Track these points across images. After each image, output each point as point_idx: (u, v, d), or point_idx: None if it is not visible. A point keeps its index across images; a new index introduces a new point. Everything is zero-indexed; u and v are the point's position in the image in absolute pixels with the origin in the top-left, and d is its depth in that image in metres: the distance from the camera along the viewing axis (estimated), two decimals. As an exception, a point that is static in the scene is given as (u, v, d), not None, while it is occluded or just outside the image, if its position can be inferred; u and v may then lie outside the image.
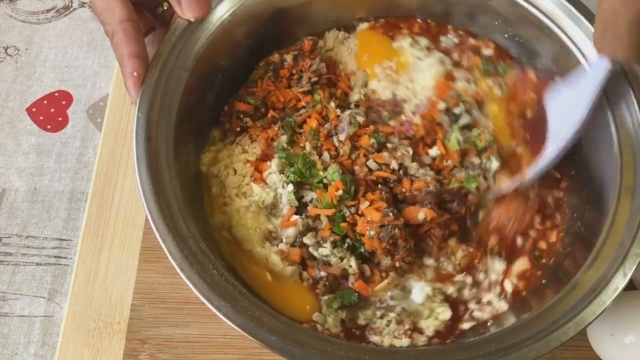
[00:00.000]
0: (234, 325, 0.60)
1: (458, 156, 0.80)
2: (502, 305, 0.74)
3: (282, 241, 0.74)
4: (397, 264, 0.73)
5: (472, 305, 0.75)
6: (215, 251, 0.69)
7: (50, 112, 1.76)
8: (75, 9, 1.94)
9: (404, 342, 0.70)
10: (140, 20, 0.72)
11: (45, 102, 1.78)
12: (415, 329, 0.72)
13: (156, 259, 0.83)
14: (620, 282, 0.63)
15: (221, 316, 0.60)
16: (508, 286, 0.75)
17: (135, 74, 0.69)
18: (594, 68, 0.75)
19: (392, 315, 0.73)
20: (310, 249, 0.73)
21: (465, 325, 0.72)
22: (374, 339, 0.71)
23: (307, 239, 0.73)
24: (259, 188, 0.75)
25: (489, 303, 0.74)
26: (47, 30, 1.90)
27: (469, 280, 0.76)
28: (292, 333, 0.60)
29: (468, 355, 0.61)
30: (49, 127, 1.74)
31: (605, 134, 0.74)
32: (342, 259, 0.73)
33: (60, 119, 1.75)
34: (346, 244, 0.74)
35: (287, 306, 0.70)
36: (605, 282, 0.63)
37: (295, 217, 0.74)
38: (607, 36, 0.68)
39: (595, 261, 0.66)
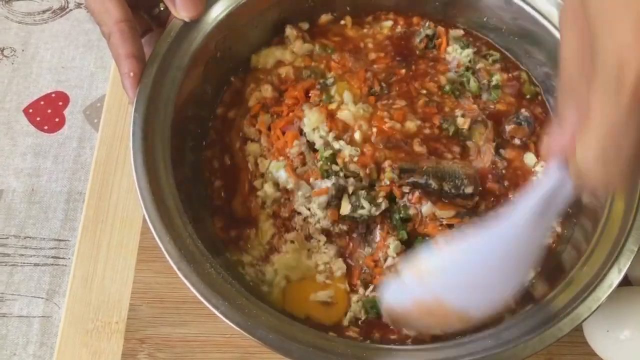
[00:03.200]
0: (231, 324, 0.60)
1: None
2: None
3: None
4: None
5: None
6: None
7: (47, 113, 1.76)
8: (71, 9, 1.94)
9: None
10: (136, 21, 0.72)
11: (42, 103, 1.77)
12: None
13: (154, 259, 0.83)
14: (615, 278, 0.64)
15: (219, 314, 0.60)
16: None
17: (132, 74, 0.69)
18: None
19: None
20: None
21: None
22: None
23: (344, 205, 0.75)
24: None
25: None
26: (43, 31, 1.89)
27: None
28: (290, 330, 0.61)
29: (465, 352, 0.61)
30: (45, 128, 1.73)
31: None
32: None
33: (57, 119, 1.75)
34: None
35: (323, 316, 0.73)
36: (600, 278, 0.64)
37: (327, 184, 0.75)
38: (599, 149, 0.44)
39: (590, 257, 0.66)
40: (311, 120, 0.79)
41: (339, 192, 0.75)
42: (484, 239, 0.62)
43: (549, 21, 0.81)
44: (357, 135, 0.79)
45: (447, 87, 0.86)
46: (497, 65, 0.89)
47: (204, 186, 0.80)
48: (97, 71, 1.83)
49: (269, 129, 0.82)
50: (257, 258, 0.76)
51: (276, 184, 0.78)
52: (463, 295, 0.63)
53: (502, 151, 0.82)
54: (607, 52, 0.42)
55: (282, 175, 0.78)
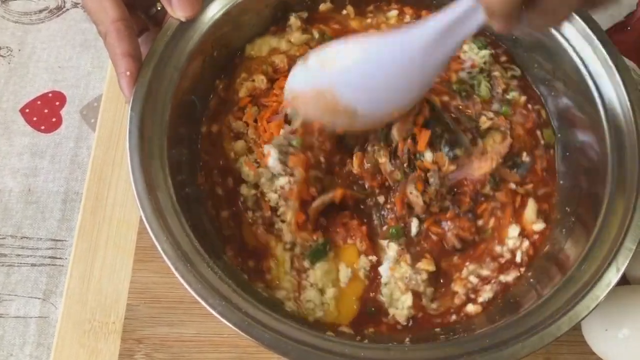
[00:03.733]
0: (228, 324, 0.60)
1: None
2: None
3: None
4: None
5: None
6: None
7: (44, 112, 1.76)
8: (68, 9, 1.93)
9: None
10: (133, 21, 0.72)
11: (39, 102, 1.77)
12: None
13: (151, 259, 0.83)
14: (613, 276, 0.63)
15: (216, 314, 0.60)
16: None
17: (128, 73, 0.69)
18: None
19: None
20: None
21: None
22: None
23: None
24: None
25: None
26: (39, 31, 1.89)
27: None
28: (287, 330, 0.61)
29: (463, 350, 0.61)
30: (42, 127, 1.73)
31: (598, 130, 0.74)
32: None
33: (54, 119, 1.75)
34: None
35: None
36: (599, 277, 0.64)
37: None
38: None
39: (589, 256, 0.66)
40: None
41: (284, 148, 0.75)
42: (388, 44, 0.67)
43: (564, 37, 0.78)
44: None
45: (455, 87, 0.83)
46: (516, 82, 0.85)
47: (210, 219, 0.77)
48: (94, 71, 1.83)
49: (256, 121, 0.80)
50: (291, 290, 0.73)
51: (253, 184, 0.78)
52: (355, 93, 0.69)
53: (496, 186, 0.78)
54: None
55: (245, 170, 0.78)
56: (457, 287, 0.74)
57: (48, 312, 1.48)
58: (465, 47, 0.86)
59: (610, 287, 0.63)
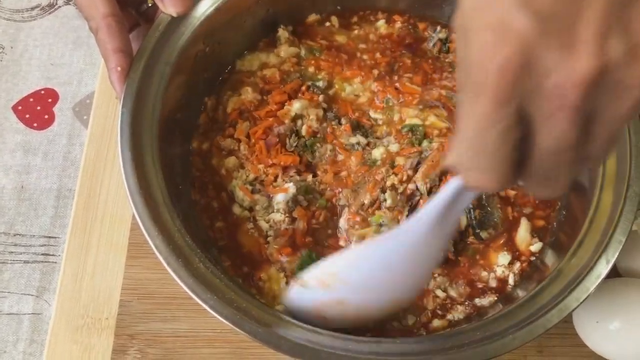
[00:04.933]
0: (220, 318, 0.60)
1: None
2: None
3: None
4: None
5: None
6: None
7: (37, 110, 1.75)
8: (60, 6, 1.92)
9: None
10: (124, 17, 0.72)
11: (31, 100, 1.76)
12: None
13: (144, 255, 0.82)
14: (603, 268, 0.64)
15: (208, 309, 0.60)
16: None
17: (119, 68, 0.69)
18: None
19: None
20: None
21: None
22: None
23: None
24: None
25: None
26: (32, 28, 1.88)
27: None
28: (279, 324, 0.61)
29: (453, 343, 0.61)
30: (35, 125, 1.72)
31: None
32: None
33: (46, 116, 1.74)
34: None
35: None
36: (589, 269, 0.64)
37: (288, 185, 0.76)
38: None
39: (579, 248, 0.66)
40: (299, 106, 0.79)
41: (300, 192, 0.75)
42: (387, 244, 0.64)
43: None
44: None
45: None
46: None
47: (204, 231, 0.77)
48: (87, 68, 1.82)
49: (248, 136, 0.80)
50: None
51: (245, 207, 0.78)
52: (364, 295, 0.65)
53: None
54: (471, 56, 0.40)
55: (239, 194, 0.77)
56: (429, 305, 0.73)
57: (41, 309, 1.47)
58: None
59: (601, 279, 0.63)
